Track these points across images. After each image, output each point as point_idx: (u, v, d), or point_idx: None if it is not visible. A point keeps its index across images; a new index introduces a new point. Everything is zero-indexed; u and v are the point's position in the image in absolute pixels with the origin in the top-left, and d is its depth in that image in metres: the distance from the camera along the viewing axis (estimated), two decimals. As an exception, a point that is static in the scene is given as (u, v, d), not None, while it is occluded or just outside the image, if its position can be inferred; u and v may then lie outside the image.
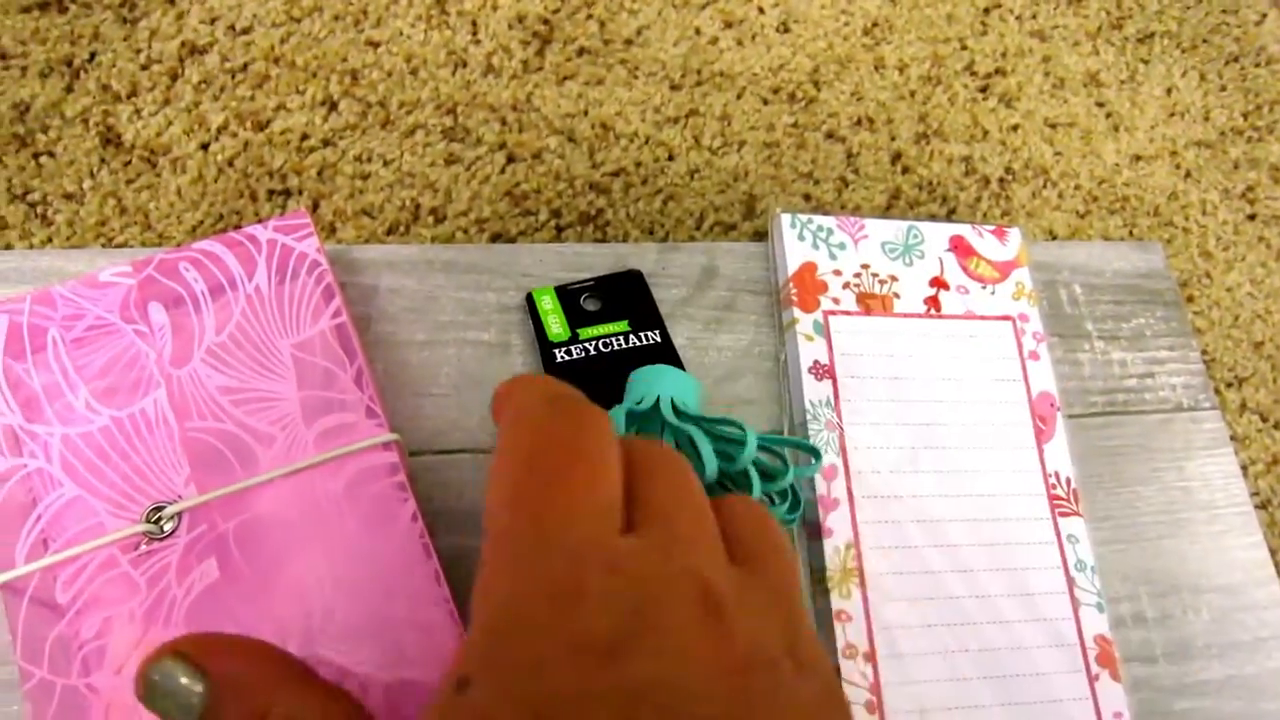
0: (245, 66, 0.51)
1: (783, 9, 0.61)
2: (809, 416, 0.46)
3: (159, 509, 0.37)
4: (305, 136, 0.51)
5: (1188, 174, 0.62)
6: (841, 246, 0.51)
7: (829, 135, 0.58)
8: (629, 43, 0.57)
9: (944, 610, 0.42)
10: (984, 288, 0.51)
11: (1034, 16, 0.66)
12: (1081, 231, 0.59)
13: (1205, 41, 0.68)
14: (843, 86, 0.59)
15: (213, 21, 0.52)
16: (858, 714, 0.38)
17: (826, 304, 0.49)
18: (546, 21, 0.57)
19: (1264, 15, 0.70)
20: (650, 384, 0.43)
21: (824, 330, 0.48)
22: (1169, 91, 0.65)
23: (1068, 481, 0.48)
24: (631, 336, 0.48)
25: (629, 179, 0.54)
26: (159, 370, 0.39)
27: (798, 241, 0.50)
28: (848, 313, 0.49)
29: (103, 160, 0.48)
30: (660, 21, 0.58)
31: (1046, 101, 0.62)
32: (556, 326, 0.47)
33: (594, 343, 0.47)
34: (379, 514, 0.38)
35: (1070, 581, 0.45)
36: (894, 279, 0.51)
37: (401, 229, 0.50)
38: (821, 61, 0.60)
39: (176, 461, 0.38)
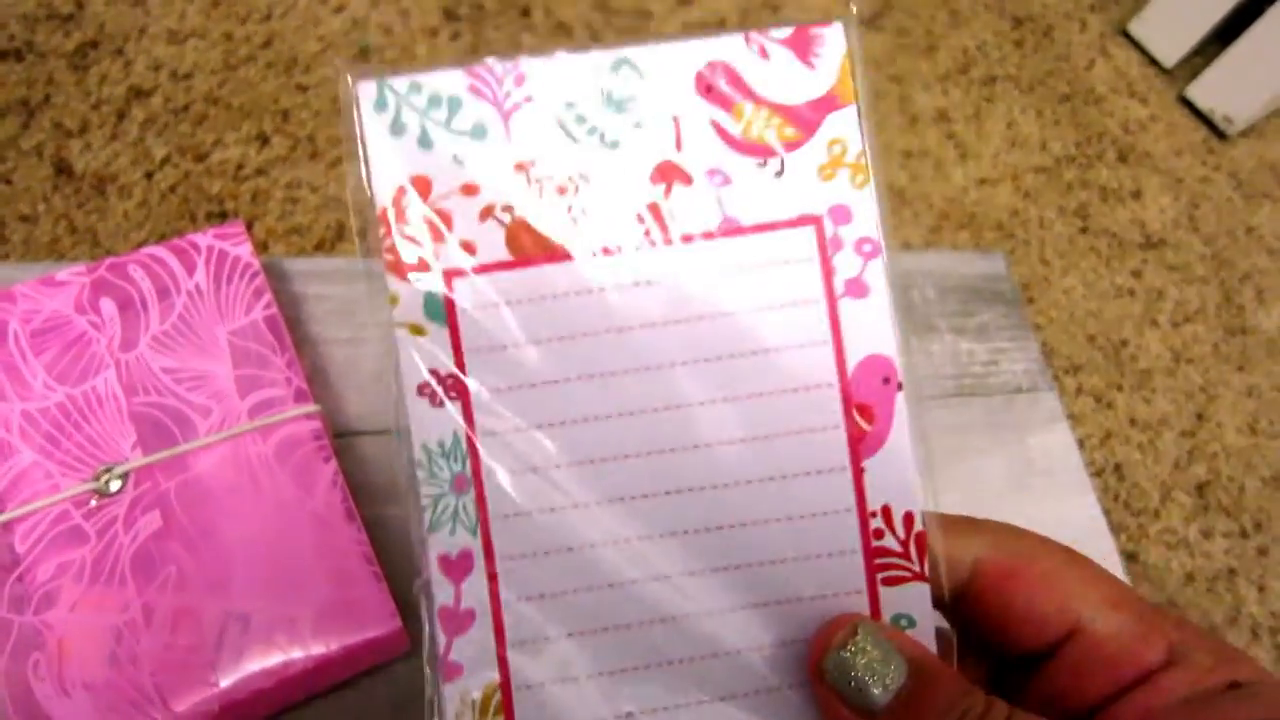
0: (186, 107, 0.58)
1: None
2: (422, 475, 0.26)
3: (107, 469, 0.42)
4: (240, 166, 0.57)
5: (1027, 194, 0.71)
6: (481, 133, 0.26)
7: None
8: (531, 86, 0.65)
9: None
10: (762, 164, 0.26)
11: (892, 62, 0.75)
12: (934, 244, 0.67)
13: (1042, 84, 0.78)
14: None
15: (157, 69, 0.58)
16: None
17: (452, 257, 0.26)
18: (457, 68, 0.64)
19: (1092, 61, 0.80)
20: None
21: (444, 311, 0.26)
22: (1009, 126, 0.74)
23: (906, 521, 0.26)
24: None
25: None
26: (109, 354, 0.44)
27: (390, 137, 0.26)
28: (489, 266, 0.26)
29: (55, 187, 0.54)
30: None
31: (902, 135, 0.71)
32: (466, 324, 0.54)
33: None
34: (304, 473, 0.44)
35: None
36: (582, 180, 0.26)
37: (328, 245, 0.57)
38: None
39: (124, 430, 0.43)
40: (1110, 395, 0.64)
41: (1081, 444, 0.62)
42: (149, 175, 0.55)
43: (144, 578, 0.40)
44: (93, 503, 0.41)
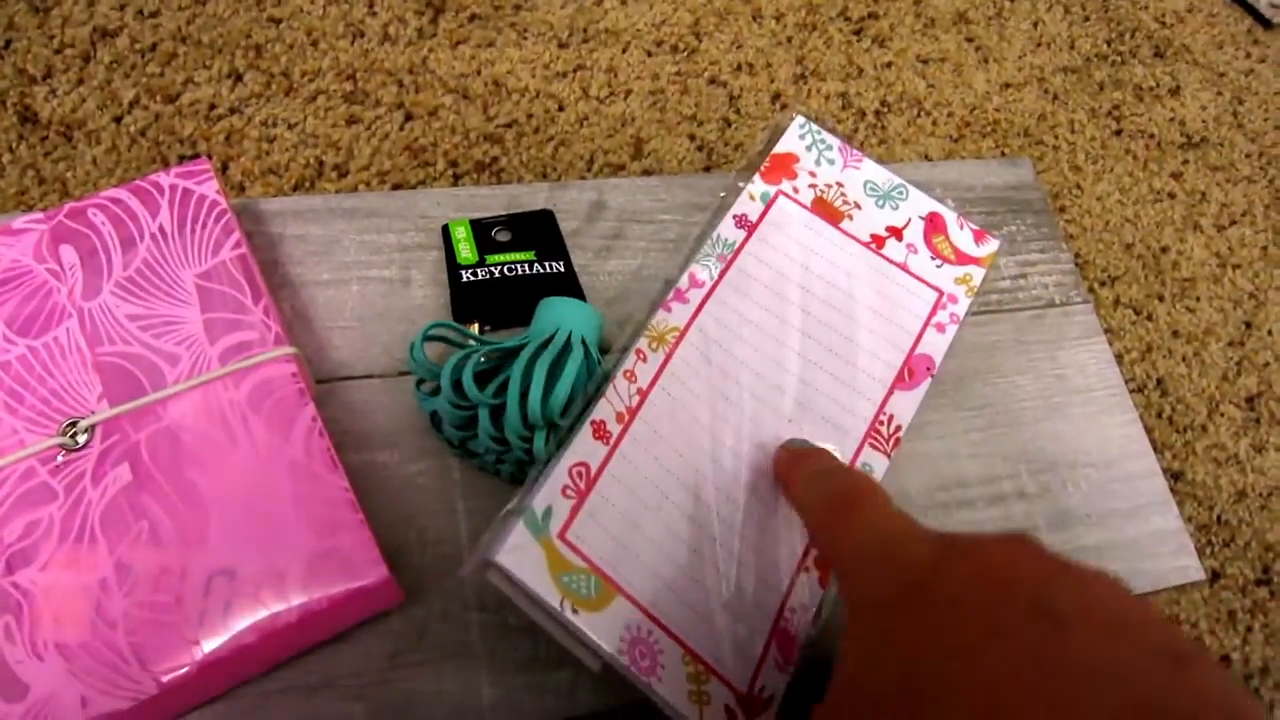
0: (154, 46, 0.55)
1: (663, -30, 0.65)
2: (708, 246, 0.48)
3: (73, 423, 0.40)
4: (213, 106, 0.54)
5: (1055, 97, 0.66)
6: (831, 162, 0.53)
7: (711, 81, 0.62)
8: (518, 8, 0.61)
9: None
10: (933, 259, 0.51)
11: (905, -35, 0.70)
12: (955, 154, 0.63)
13: (1069, -21, 0.72)
14: (723, 37, 0.63)
15: (122, 8, 0.55)
16: None
17: (786, 187, 0.52)
18: (438, -8, 0.61)
19: (1124, -48, 0.74)
20: (556, 318, 0.46)
21: (768, 201, 0.51)
22: (1035, 24, 0.69)
23: (896, 428, 0.46)
24: (536, 265, 0.52)
25: (521, 129, 0.57)
26: (70, 303, 0.42)
27: (797, 139, 0.53)
28: (798, 202, 0.51)
29: (20, 136, 0.51)
30: (547, -13, 0.62)
31: (918, 40, 0.67)
32: (466, 252, 0.51)
33: (499, 268, 0.51)
34: (281, 419, 0.41)
35: None
36: (858, 206, 0.52)
37: (306, 185, 0.54)
38: (701, 15, 0.64)
39: (89, 382, 0.41)
40: (1150, 306, 0.59)
41: (1120, 359, 0.58)
42: (118, 120, 0.52)
43: (116, 534, 0.38)
44: (59, 458, 0.40)
